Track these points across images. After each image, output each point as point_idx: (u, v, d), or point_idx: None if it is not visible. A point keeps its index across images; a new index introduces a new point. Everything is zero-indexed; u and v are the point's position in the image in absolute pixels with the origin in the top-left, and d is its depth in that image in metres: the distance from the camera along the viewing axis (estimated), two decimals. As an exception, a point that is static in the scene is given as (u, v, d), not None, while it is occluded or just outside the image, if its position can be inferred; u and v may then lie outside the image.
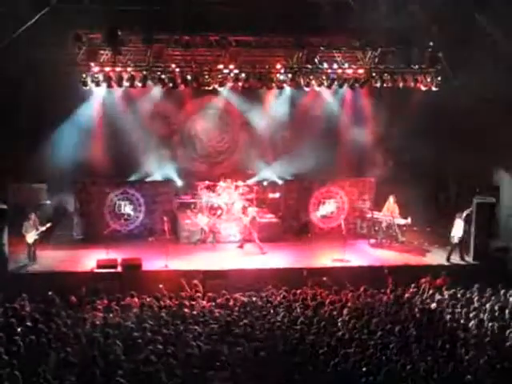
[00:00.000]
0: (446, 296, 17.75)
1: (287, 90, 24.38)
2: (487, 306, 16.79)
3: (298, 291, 18.21)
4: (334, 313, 16.24)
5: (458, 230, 21.70)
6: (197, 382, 12.18)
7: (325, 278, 19.51)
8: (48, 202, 24.40)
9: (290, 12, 21.53)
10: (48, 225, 21.23)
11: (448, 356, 13.37)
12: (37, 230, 20.87)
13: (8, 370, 11.95)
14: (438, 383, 12.47)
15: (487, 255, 21.50)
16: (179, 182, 25.42)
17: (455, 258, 21.78)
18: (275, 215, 24.82)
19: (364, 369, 12.59)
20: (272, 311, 16.43)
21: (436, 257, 22.34)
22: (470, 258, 21.73)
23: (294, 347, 13.58)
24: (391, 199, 23.56)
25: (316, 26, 21.90)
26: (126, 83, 22.05)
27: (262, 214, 24.67)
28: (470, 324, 15.44)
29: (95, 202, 23.69)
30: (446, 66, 22.89)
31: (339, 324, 15.44)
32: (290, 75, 23.00)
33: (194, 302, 17.08)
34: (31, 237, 20.78)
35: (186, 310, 16.22)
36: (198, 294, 17.99)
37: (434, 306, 17.16)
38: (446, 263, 21.50)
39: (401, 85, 23.07)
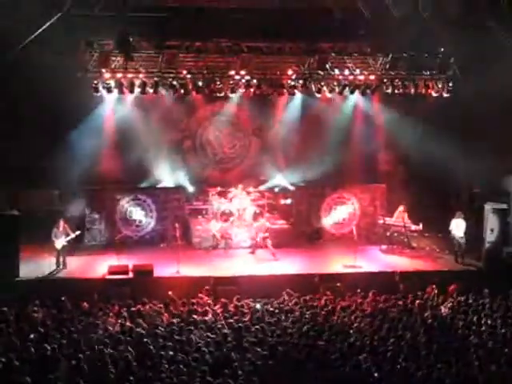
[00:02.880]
0: (458, 302, 17.67)
1: (298, 96, 24.43)
2: (499, 311, 16.71)
3: (310, 297, 18.19)
4: (346, 319, 16.22)
5: (460, 230, 21.98)
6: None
7: (339, 284, 19.53)
8: (61, 208, 24.45)
9: (301, 18, 21.57)
10: (78, 232, 21.30)
11: (460, 362, 13.29)
12: (66, 236, 20.92)
13: (19, 376, 11.94)
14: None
15: (499, 261, 21.40)
16: (190, 188, 25.44)
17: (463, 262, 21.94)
18: (287, 221, 24.81)
19: (376, 375, 12.56)
20: (284, 317, 16.39)
21: (447, 263, 22.23)
22: (481, 263, 21.69)
23: (305, 353, 13.53)
24: (401, 208, 23.53)
25: (327, 32, 21.93)
26: (137, 89, 22.18)
27: (274, 220, 24.61)
28: (482, 330, 15.37)
29: (106, 208, 23.79)
30: (457, 71, 22.86)
31: (351, 330, 15.41)
32: (301, 81, 23.07)
33: (205, 308, 17.08)
34: (60, 243, 20.80)
35: (197, 316, 16.21)
36: (209, 301, 17.99)
37: (445, 311, 17.10)
38: (457, 269, 21.45)
39: (412, 91, 23.08)
